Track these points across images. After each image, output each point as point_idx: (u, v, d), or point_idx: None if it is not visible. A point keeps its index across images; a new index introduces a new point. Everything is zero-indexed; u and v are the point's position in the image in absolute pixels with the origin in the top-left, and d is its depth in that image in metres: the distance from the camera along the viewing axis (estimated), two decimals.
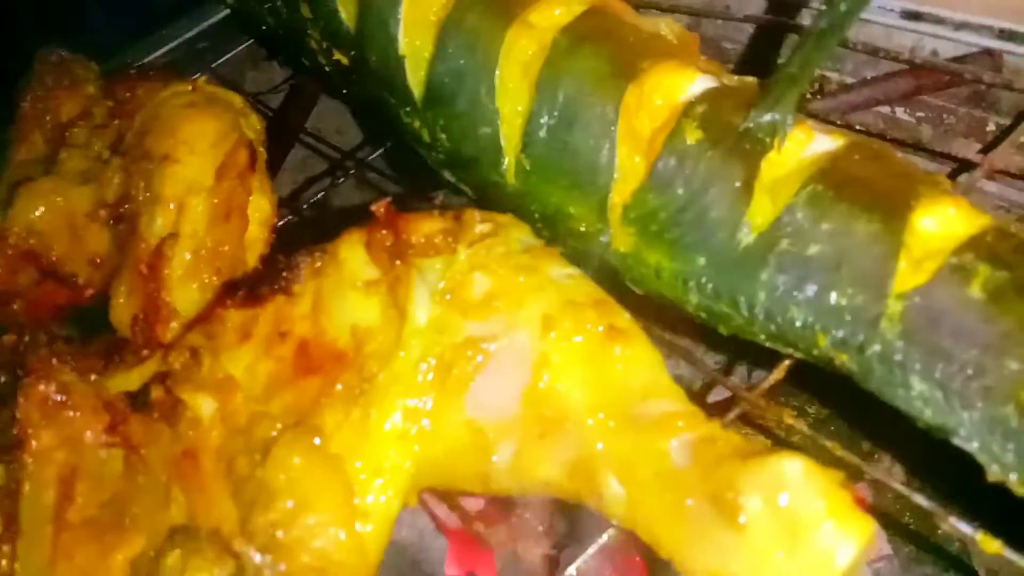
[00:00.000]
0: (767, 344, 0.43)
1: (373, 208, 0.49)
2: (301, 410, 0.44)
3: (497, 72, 0.53)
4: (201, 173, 0.61)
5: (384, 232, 0.47)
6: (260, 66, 1.00)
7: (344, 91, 0.75)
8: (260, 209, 0.63)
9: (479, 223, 0.44)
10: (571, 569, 0.41)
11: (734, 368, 0.49)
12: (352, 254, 0.48)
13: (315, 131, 0.85)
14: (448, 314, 0.43)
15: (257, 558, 0.36)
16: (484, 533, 0.44)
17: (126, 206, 0.63)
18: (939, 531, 0.37)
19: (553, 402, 0.40)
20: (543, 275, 0.44)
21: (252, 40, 0.97)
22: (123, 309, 0.61)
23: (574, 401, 0.40)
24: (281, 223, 0.69)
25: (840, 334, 0.39)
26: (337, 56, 0.66)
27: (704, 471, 0.35)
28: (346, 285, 0.47)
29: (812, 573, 0.32)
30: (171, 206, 0.60)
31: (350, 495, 0.39)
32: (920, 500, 0.38)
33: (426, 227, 0.46)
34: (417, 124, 0.59)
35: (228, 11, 0.96)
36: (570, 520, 0.56)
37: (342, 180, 0.77)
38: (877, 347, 0.38)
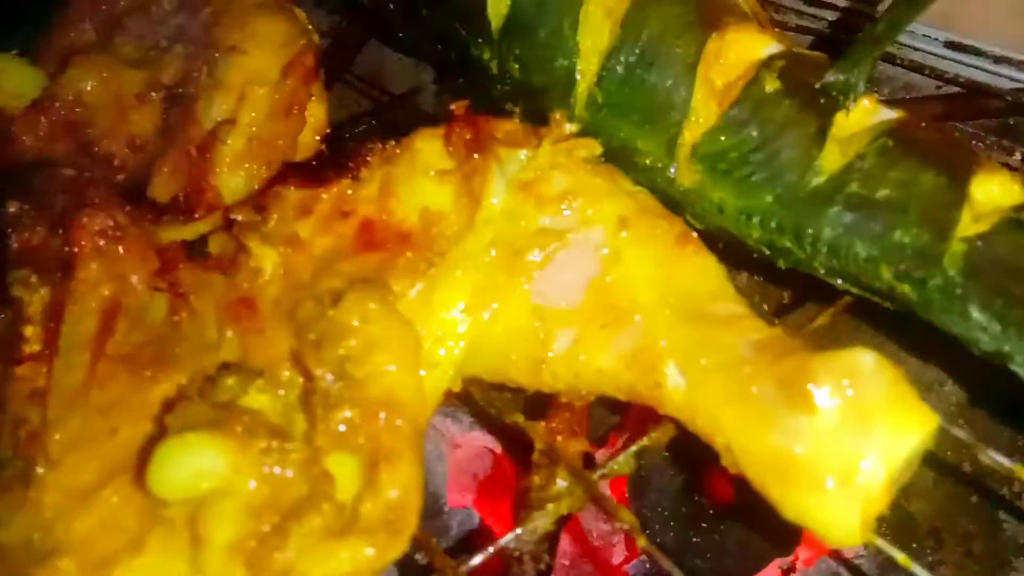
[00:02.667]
0: (825, 277, 0.45)
1: (452, 107, 0.50)
2: (363, 279, 0.44)
3: (582, 9, 0.55)
4: (267, 67, 0.61)
5: (463, 126, 0.48)
6: (308, 12, 1.01)
7: (401, 33, 0.77)
8: (315, 115, 0.64)
9: (568, 124, 0.45)
10: (611, 464, 0.42)
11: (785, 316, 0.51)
12: (427, 145, 0.49)
13: (360, 76, 0.85)
14: (523, 205, 0.45)
15: (330, 379, 0.36)
16: (524, 425, 0.45)
17: (182, 89, 0.63)
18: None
19: (620, 296, 0.41)
20: (619, 184, 0.45)
21: None
22: (164, 188, 0.60)
23: (641, 297, 0.41)
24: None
25: (903, 267, 0.41)
26: None
27: (772, 361, 0.36)
28: (419, 172, 0.48)
29: (876, 456, 0.33)
30: (233, 94, 0.60)
31: (418, 346, 0.40)
32: (960, 433, 0.39)
33: (508, 125, 0.48)
34: (487, 55, 0.61)
35: None
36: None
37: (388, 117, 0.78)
38: (938, 280, 0.40)
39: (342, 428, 0.35)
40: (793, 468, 0.34)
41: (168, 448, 0.34)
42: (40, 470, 0.38)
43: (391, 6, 0.73)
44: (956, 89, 0.66)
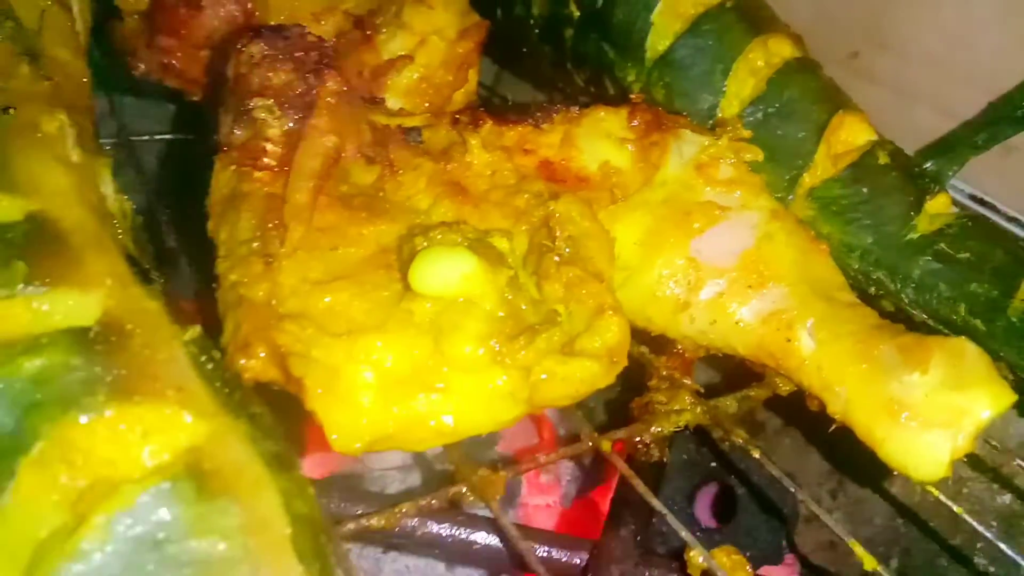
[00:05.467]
0: (907, 307, 0.56)
1: (632, 96, 0.60)
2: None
3: (735, 63, 0.66)
4: (448, 25, 0.70)
5: (645, 108, 0.58)
6: None
7: (525, 48, 0.87)
8: (471, 82, 0.72)
9: (743, 128, 0.56)
10: (720, 400, 0.50)
11: None
12: (609, 116, 0.58)
13: None
14: (695, 180, 0.54)
15: (566, 252, 0.44)
16: (649, 356, 0.52)
17: (362, 19, 0.71)
18: None
19: (767, 266, 0.51)
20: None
21: None
22: None
23: (785, 271, 0.51)
24: None
25: (976, 308, 0.53)
26: (570, 8, 0.78)
27: (893, 334, 0.46)
28: (601, 133, 0.57)
29: (973, 412, 0.43)
30: (415, 38, 0.69)
31: (613, 248, 0.47)
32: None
33: (684, 119, 0.58)
34: (631, 78, 0.71)
35: None
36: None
37: None
38: (1003, 323, 0.52)
39: (577, 281, 0.42)
40: (904, 411, 0.43)
41: (438, 251, 0.40)
42: (282, 248, 0.43)
43: (531, 22, 0.84)
44: None
